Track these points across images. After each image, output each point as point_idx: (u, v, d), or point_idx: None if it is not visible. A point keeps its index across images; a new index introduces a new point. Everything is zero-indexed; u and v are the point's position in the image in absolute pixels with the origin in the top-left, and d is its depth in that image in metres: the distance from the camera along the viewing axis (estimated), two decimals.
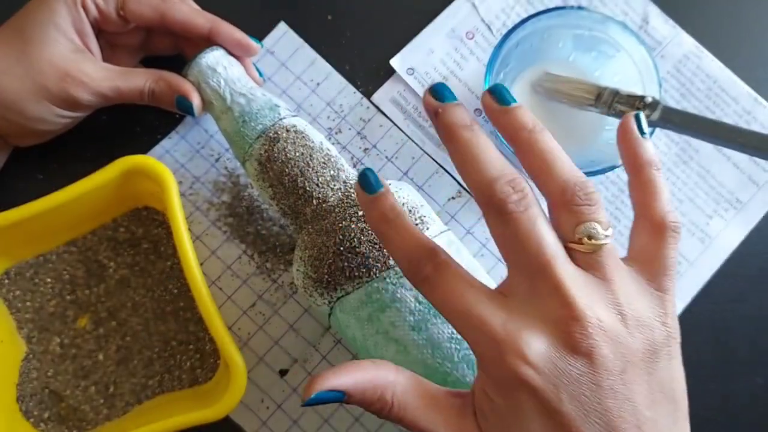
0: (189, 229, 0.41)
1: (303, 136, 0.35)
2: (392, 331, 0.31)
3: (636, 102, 0.36)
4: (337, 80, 0.43)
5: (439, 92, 0.27)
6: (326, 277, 0.33)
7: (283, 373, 0.40)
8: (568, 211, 0.25)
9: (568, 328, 0.23)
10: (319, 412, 0.40)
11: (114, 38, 0.39)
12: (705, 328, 0.42)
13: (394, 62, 0.43)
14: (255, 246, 0.41)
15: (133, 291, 0.41)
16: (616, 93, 0.37)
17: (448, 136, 0.26)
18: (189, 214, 0.42)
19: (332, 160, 0.35)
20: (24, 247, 0.40)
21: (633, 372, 0.24)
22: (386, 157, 0.43)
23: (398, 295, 0.31)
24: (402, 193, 0.34)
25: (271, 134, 0.35)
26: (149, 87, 0.37)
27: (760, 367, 0.41)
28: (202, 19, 0.37)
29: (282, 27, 0.44)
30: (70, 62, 0.35)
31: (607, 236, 0.25)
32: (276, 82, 0.43)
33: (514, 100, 0.27)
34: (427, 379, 0.27)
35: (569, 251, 0.25)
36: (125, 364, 0.40)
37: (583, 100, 0.39)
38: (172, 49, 0.41)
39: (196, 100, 0.36)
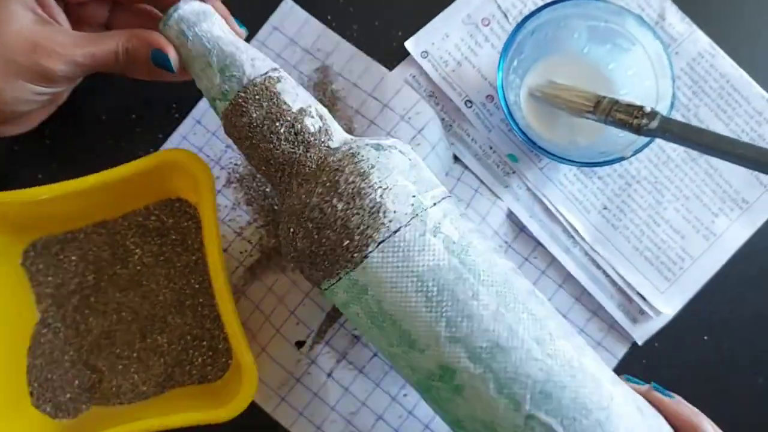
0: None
1: (275, 96, 0.31)
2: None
3: (635, 111, 0.36)
4: (347, 48, 0.43)
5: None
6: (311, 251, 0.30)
7: (300, 344, 0.40)
8: None
9: None
10: (340, 383, 0.40)
11: (78, 11, 0.38)
12: (705, 327, 0.42)
13: (409, 45, 0.43)
14: (275, 225, 0.42)
15: (155, 280, 0.40)
16: (615, 102, 0.37)
17: None
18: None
19: (307, 126, 0.31)
20: (53, 222, 0.40)
21: None
22: (399, 116, 0.42)
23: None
24: (374, 176, 0.29)
25: (242, 92, 0.31)
26: (122, 46, 0.34)
27: (760, 367, 0.41)
28: None
29: (288, 3, 0.44)
30: (38, 33, 0.33)
31: None
32: (286, 59, 0.43)
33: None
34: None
35: None
36: (137, 353, 0.39)
37: (583, 108, 0.39)
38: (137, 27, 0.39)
39: (171, 52, 0.33)
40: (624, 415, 0.28)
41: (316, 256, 0.30)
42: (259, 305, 0.41)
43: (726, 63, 0.43)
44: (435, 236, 0.29)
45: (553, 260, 0.42)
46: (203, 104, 0.43)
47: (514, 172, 0.42)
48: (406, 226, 0.29)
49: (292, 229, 0.30)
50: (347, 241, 0.29)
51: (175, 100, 0.43)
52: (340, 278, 0.29)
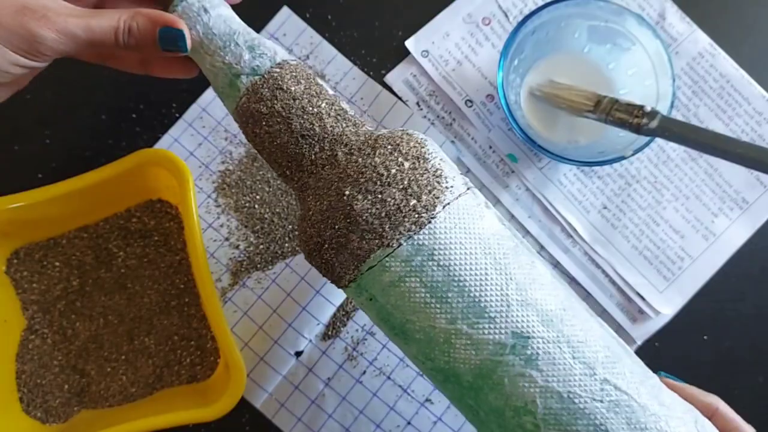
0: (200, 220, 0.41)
1: (311, 76, 0.31)
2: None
3: (635, 110, 0.36)
4: (342, 62, 0.43)
5: None
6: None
7: (298, 354, 0.41)
8: None
9: None
10: (337, 391, 0.40)
11: None
12: (705, 326, 0.42)
13: (409, 44, 0.43)
14: (263, 234, 0.41)
15: (139, 282, 0.40)
16: (615, 101, 0.37)
17: None
18: (199, 203, 0.42)
19: (345, 108, 0.31)
20: (36, 228, 0.40)
21: None
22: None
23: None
24: (430, 147, 0.30)
25: (276, 68, 0.30)
26: (126, 23, 0.30)
27: (760, 366, 0.41)
28: None
29: (285, 11, 0.44)
30: None
31: None
32: None
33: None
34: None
35: None
36: (125, 355, 0.39)
37: (583, 107, 0.39)
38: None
39: (186, 28, 0.30)
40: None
41: (376, 219, 0.28)
42: (248, 313, 0.41)
43: (726, 63, 0.43)
44: (488, 208, 0.30)
45: (556, 265, 0.42)
46: (195, 107, 0.43)
47: (513, 172, 0.42)
48: (464, 194, 0.29)
49: (347, 192, 0.28)
50: (414, 201, 0.28)
51: (176, 99, 0.43)
52: (401, 244, 0.27)
